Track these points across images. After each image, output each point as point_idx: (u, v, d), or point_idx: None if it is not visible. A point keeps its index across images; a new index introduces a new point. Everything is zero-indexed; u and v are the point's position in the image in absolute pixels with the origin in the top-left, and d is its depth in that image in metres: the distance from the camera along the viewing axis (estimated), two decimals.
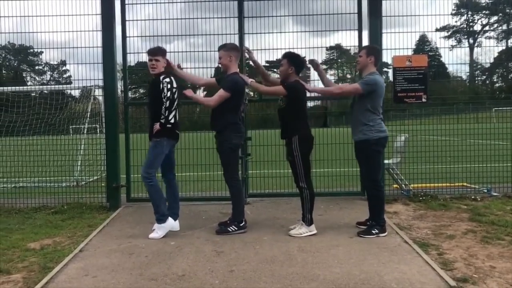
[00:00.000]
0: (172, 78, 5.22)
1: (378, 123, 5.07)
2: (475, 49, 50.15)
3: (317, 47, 7.65)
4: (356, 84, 5.09)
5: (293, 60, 5.18)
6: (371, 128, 5.03)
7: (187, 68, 7.52)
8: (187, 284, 3.72)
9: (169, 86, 5.09)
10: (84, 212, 6.55)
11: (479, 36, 57.88)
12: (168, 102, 5.07)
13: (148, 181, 5.18)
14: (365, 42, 6.89)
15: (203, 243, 4.87)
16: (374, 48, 5.40)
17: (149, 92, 5.40)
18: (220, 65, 5.45)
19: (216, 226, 5.46)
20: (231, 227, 5.26)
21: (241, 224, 5.30)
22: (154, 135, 5.16)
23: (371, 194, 5.22)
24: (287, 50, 5.54)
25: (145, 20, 7.18)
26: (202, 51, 7.20)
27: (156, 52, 5.26)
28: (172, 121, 5.16)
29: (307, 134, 5.16)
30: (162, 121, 5.09)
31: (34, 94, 11.23)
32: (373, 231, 5.02)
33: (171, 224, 5.26)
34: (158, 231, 5.18)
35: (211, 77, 7.79)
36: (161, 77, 5.15)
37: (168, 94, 5.07)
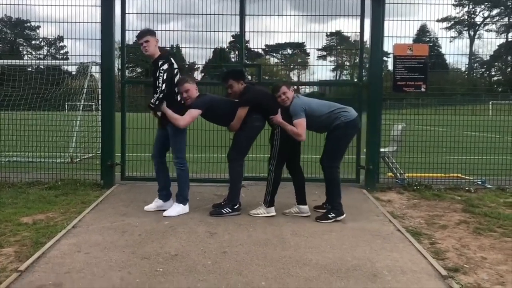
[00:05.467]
0: (172, 60, 5.19)
1: (340, 112, 5.11)
2: (475, 41, 50.09)
3: (317, 32, 7.61)
4: (297, 122, 5.02)
5: (238, 76, 5.32)
6: (338, 118, 5.07)
7: (184, 47, 7.48)
8: (180, 263, 3.73)
9: (165, 76, 5.02)
10: (78, 188, 6.54)
11: (479, 28, 57.81)
12: (161, 95, 5.05)
13: (180, 166, 5.33)
14: (367, 29, 6.84)
15: (197, 224, 4.88)
16: (288, 81, 5.47)
17: (152, 73, 5.30)
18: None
19: (210, 208, 5.47)
20: (225, 209, 5.26)
21: (235, 207, 5.31)
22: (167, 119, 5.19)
23: (330, 178, 5.23)
24: (232, 68, 5.80)
25: None
26: (202, 31, 7.12)
27: (143, 34, 5.16)
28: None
29: None
30: (152, 106, 5.12)
31: (30, 69, 11.12)
32: (330, 216, 5.09)
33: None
34: (176, 208, 5.30)
35: (208, 61, 7.73)
36: (160, 62, 5.08)
37: (163, 87, 5.02)
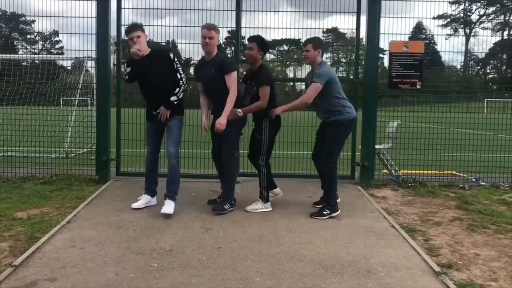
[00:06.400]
0: None
1: (346, 105, 5.16)
2: (471, 39, 50.24)
3: (314, 28, 7.63)
4: (313, 85, 5.03)
5: (263, 45, 5.26)
6: (341, 112, 5.12)
7: (180, 42, 7.44)
8: (175, 259, 3.73)
9: (179, 63, 4.99)
10: (72, 184, 6.53)
11: (475, 26, 58.01)
12: (185, 81, 5.01)
13: (177, 160, 5.16)
14: (363, 26, 6.85)
15: (192, 220, 4.88)
16: (320, 41, 5.44)
17: (155, 67, 4.98)
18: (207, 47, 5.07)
19: (205, 204, 5.47)
20: (226, 205, 5.22)
21: (232, 203, 5.33)
22: (177, 111, 5.11)
23: (328, 175, 5.24)
24: (256, 34, 5.54)
25: None
26: (198, 27, 7.08)
27: (134, 29, 4.89)
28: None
29: (277, 117, 5.29)
30: (175, 102, 5.01)
31: (25, 64, 11.06)
32: (325, 212, 5.10)
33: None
34: (172, 205, 5.10)
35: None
36: (170, 54, 4.99)
37: (183, 74, 4.99)
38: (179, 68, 4.97)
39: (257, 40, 5.25)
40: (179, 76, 4.96)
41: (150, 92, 5.15)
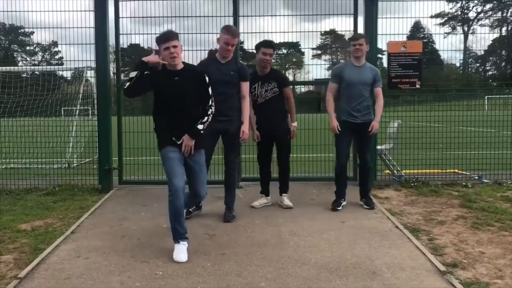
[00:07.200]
0: None
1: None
2: (469, 37, 50.21)
3: (312, 31, 7.64)
4: (380, 89, 5.47)
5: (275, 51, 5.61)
6: (372, 110, 5.49)
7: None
8: (179, 266, 3.73)
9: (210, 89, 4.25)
10: (75, 194, 6.52)
11: (473, 24, 57.90)
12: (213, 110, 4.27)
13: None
14: (360, 27, 6.85)
15: (196, 226, 4.87)
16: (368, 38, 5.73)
17: (185, 87, 4.06)
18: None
19: (208, 210, 5.47)
20: (234, 213, 5.17)
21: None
22: (201, 143, 4.24)
23: (370, 169, 5.80)
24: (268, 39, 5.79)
25: (137, 0, 7.07)
26: (196, 33, 7.12)
27: (171, 37, 3.99)
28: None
29: None
30: (200, 127, 4.13)
31: (25, 75, 11.10)
32: (371, 202, 5.63)
33: None
34: None
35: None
36: (205, 76, 4.22)
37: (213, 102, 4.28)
38: (211, 95, 4.22)
39: (274, 46, 5.54)
40: (210, 103, 4.20)
41: (170, 116, 4.14)
